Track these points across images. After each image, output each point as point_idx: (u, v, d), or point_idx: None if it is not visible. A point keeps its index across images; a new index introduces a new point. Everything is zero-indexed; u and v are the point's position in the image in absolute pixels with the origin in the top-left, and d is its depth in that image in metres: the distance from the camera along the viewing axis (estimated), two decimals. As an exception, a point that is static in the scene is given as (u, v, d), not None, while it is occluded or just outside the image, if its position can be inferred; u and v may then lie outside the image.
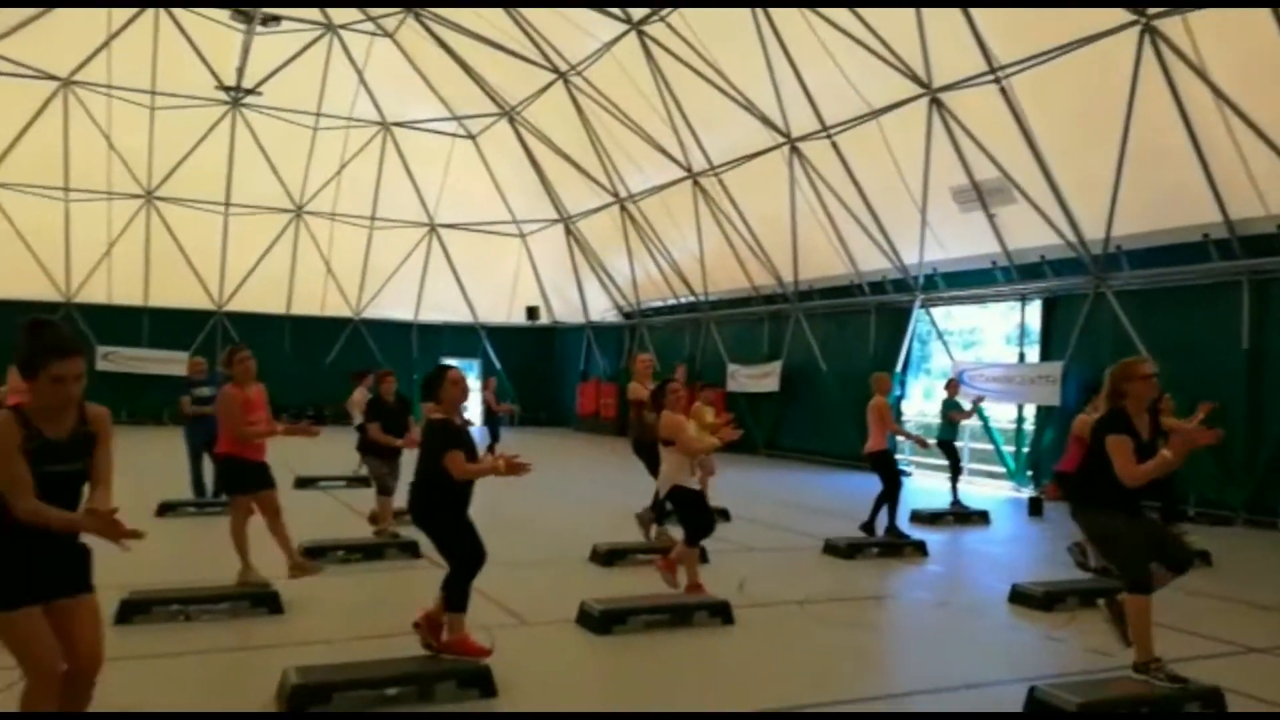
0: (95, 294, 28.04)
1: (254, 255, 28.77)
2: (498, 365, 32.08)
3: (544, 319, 32.92)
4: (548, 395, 33.04)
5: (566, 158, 25.42)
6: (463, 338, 32.45)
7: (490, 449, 18.06)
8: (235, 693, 5.29)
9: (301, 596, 7.22)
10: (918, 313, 19.07)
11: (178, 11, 23.73)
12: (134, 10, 23.30)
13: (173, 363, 29.08)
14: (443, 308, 32.05)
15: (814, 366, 21.30)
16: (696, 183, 22.32)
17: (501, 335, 32.87)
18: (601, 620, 6.49)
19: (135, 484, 11.79)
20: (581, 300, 30.87)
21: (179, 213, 27.54)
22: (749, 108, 18.91)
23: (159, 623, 6.62)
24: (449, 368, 5.85)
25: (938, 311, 19.25)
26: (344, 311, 30.85)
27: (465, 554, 5.47)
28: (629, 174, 24.25)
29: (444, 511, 5.48)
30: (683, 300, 26.31)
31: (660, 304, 27.80)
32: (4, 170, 25.36)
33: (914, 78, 15.95)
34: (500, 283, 31.90)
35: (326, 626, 6.70)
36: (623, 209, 25.60)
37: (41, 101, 24.66)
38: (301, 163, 27.78)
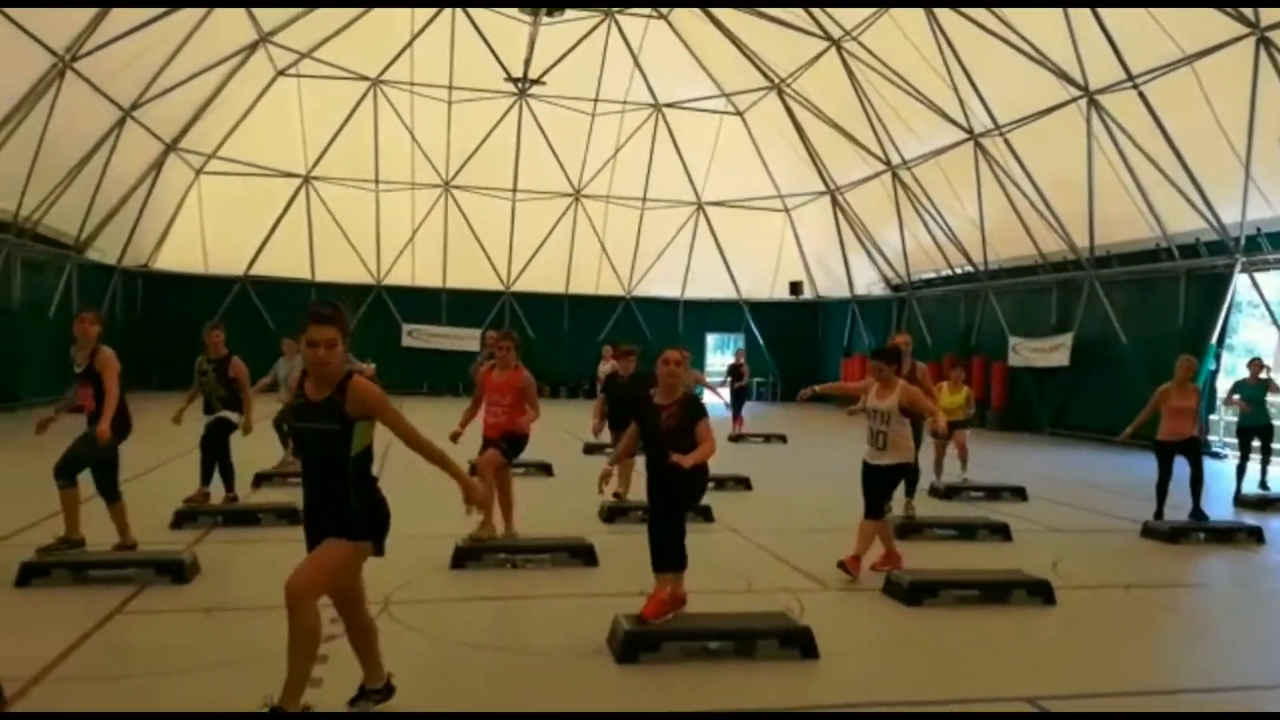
0: (401, 277, 30.85)
1: (537, 238, 30.51)
2: (760, 340, 32.20)
3: (807, 293, 32.61)
4: (810, 371, 32.67)
5: (836, 127, 24.95)
6: (726, 313, 32.84)
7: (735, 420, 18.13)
8: (565, 635, 5.66)
9: (614, 549, 7.62)
10: (1238, 278, 17.14)
11: (473, 9, 25.46)
12: (434, 10, 25.28)
13: (467, 339, 31.73)
14: (708, 284, 32.54)
15: (1111, 338, 19.71)
16: (978, 144, 21.20)
17: (764, 310, 32.91)
18: (911, 592, 6.37)
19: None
20: (847, 274, 30.28)
21: (472, 200, 29.67)
22: (1041, 61, 17.69)
23: (489, 569, 7.22)
24: (669, 348, 5.93)
25: (1262, 277, 17.20)
26: (616, 290, 32.06)
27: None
28: (903, 139, 23.43)
29: None
30: (958, 271, 25.16)
31: (932, 275, 26.74)
32: (324, 166, 28.42)
33: (1239, 17, 14.29)
34: (764, 258, 31.92)
35: (639, 580, 7.02)
36: (894, 177, 24.80)
37: (354, 101, 27.36)
38: (580, 148, 29.08)
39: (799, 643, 5.21)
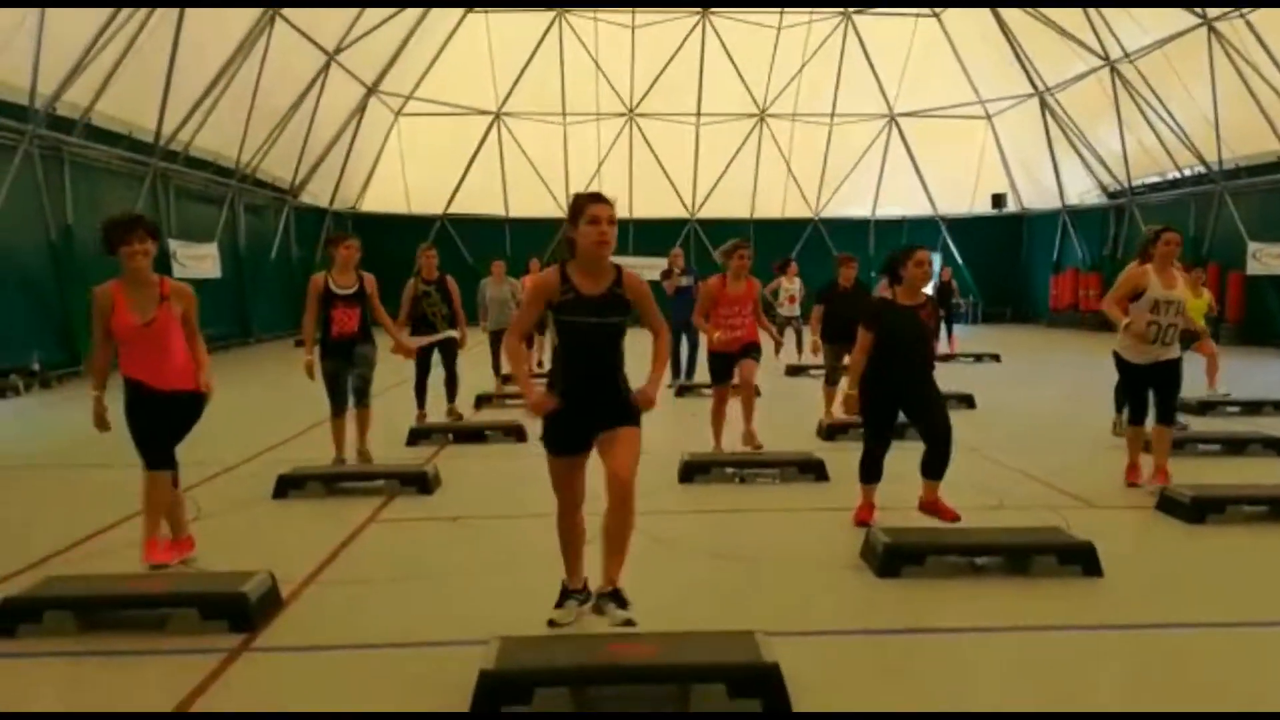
0: (586, 207, 31.09)
1: (722, 163, 29.97)
2: (958, 259, 30.61)
3: (1011, 206, 30.66)
4: (1014, 288, 30.96)
5: (1046, 20, 23.00)
6: (921, 230, 31.26)
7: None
8: (816, 548, 5.44)
9: (842, 465, 7.32)
10: None
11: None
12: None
13: (655, 269, 31.70)
14: (900, 201, 31.14)
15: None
16: (1212, 29, 19.03)
17: (963, 226, 31.21)
18: (1194, 508, 5.76)
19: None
20: (1057, 182, 28.21)
21: (656, 127, 29.42)
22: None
23: (716, 483, 7.09)
24: (918, 247, 5.60)
25: None
26: (804, 212, 31.20)
27: None
28: (1123, 29, 21.36)
29: None
30: (1187, 173, 22.90)
31: (1156, 179, 24.50)
32: (513, 101, 28.81)
33: None
34: (962, 170, 30.17)
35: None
36: (1113, 72, 22.71)
37: (540, 33, 27.46)
38: (765, 66, 28.18)
39: (1081, 559, 4.77)
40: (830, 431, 8.97)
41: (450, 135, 29.13)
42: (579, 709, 3.31)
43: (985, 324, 29.05)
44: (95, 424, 5.03)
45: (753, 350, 7.96)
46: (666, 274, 13.17)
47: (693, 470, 7.16)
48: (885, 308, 5.51)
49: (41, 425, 11.16)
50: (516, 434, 9.04)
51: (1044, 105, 26.59)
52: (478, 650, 3.75)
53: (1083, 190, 27.57)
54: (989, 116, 29.20)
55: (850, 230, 30.92)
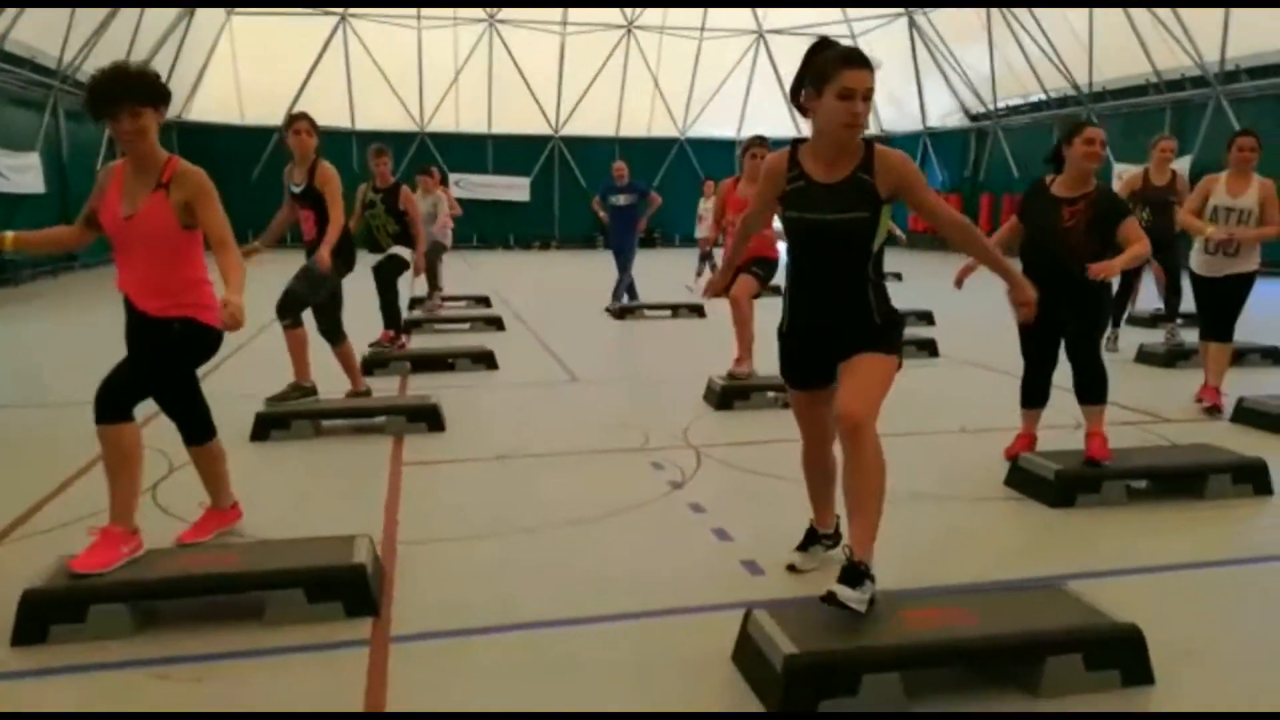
0: (444, 123, 29.26)
1: (587, 77, 28.73)
2: (823, 180, 30.84)
3: (871, 128, 30.95)
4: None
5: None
6: (785, 152, 31.31)
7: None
8: (940, 477, 4.89)
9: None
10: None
11: None
12: None
13: (516, 189, 30.47)
14: (766, 122, 30.86)
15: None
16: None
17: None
18: (1285, 418, 5.59)
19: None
20: (920, 104, 28.66)
21: (518, 35, 27.76)
22: None
23: (757, 409, 6.45)
24: (1088, 123, 4.84)
25: None
26: (670, 131, 30.51)
27: None
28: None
29: None
30: (1054, 95, 23.62)
31: (1019, 101, 25.20)
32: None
33: None
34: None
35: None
36: (989, -10, 22.97)
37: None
38: (635, -28, 27.01)
39: (1253, 478, 4.44)
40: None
41: (290, 38, 26.41)
42: (908, 696, 2.62)
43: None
44: None
45: (757, 264, 6.98)
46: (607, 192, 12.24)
47: (730, 396, 6.48)
48: (1034, 193, 4.77)
49: None
50: (486, 361, 8.09)
51: (913, 24, 26.77)
52: (681, 624, 3.12)
53: (944, 112, 28.13)
54: (854, 36, 29.17)
55: (716, 150, 30.48)
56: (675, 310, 11.85)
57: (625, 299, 12.01)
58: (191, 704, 2.75)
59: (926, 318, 10.97)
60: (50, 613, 3.08)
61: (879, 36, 28.43)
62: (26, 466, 5.24)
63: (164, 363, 3.55)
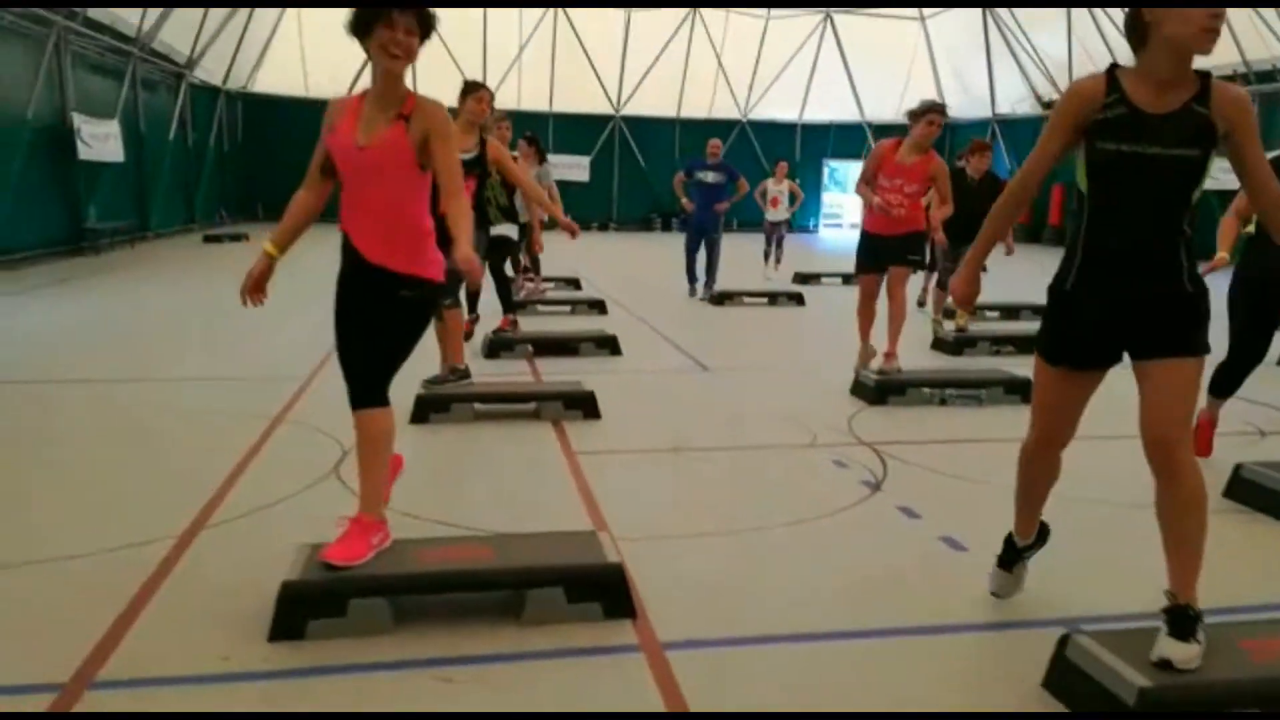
0: (506, 101, 29.08)
1: (650, 56, 28.44)
2: (885, 166, 30.37)
3: (938, 116, 30.45)
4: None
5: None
6: (847, 137, 30.83)
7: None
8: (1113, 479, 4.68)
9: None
10: None
11: None
12: None
13: (575, 168, 30.22)
14: (828, 106, 30.49)
15: None
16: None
17: (888, 133, 30.77)
18: None
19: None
20: (990, 89, 28.10)
21: (583, 15, 27.51)
22: None
23: (914, 405, 6.25)
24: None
25: None
26: (732, 114, 30.16)
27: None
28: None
29: None
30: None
31: (1097, 90, 24.58)
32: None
33: None
34: (893, 75, 29.67)
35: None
36: (1070, -23, 22.41)
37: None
38: (704, -48, 26.66)
39: None
40: (959, 345, 8.24)
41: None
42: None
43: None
44: (242, 287, 3.30)
45: (913, 245, 6.71)
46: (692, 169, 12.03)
47: (886, 391, 6.28)
48: None
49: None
50: (610, 346, 7.94)
51: (987, 6, 26.20)
52: (965, 642, 2.88)
53: (1016, 99, 27.56)
54: (923, 19, 28.66)
55: (777, 133, 30.15)
56: (773, 298, 11.66)
57: (714, 286, 11.79)
58: (482, 707, 2.62)
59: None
60: (309, 607, 2.96)
61: (950, 18, 27.91)
62: (185, 447, 5.16)
63: (406, 332, 3.25)
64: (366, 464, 3.21)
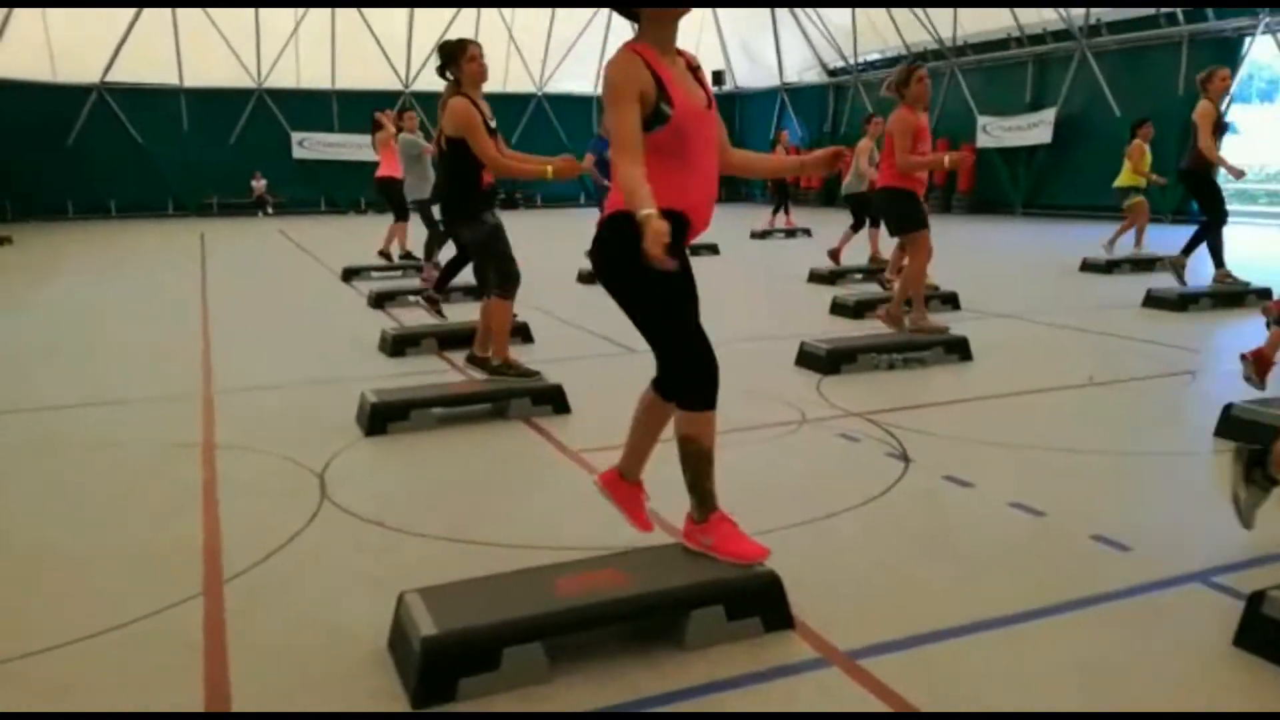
0: (284, 78, 27.35)
1: (438, 29, 27.40)
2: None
3: (727, 84, 31.25)
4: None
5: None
6: (642, 109, 31.06)
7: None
8: (1114, 434, 4.90)
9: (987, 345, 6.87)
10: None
11: None
12: None
13: (364, 149, 28.64)
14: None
15: (1103, 113, 19.71)
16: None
17: (680, 104, 31.35)
18: None
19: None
20: (778, 59, 29.06)
21: (366, -14, 26.16)
22: None
23: (863, 371, 6.30)
24: None
25: None
26: (527, 87, 29.72)
27: None
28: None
29: None
30: (915, 48, 24.47)
31: (877, 56, 25.99)
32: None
33: None
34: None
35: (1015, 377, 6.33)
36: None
37: None
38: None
39: None
40: (859, 309, 8.40)
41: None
42: None
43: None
44: (653, 256, 2.44)
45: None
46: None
47: (839, 360, 6.27)
48: None
49: None
50: (523, 334, 7.54)
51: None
52: (1113, 612, 2.81)
53: (803, 68, 28.65)
54: (707, -10, 29.17)
55: (574, 107, 29.97)
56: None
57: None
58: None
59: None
60: (460, 664, 2.53)
61: (737, -9, 28.56)
62: (131, 493, 4.39)
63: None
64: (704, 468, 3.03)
